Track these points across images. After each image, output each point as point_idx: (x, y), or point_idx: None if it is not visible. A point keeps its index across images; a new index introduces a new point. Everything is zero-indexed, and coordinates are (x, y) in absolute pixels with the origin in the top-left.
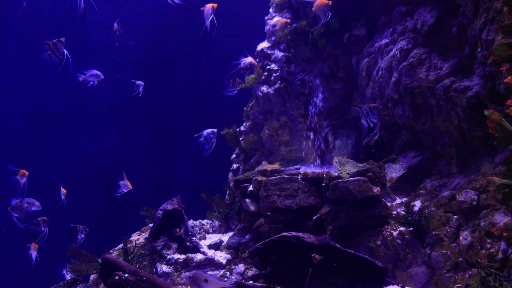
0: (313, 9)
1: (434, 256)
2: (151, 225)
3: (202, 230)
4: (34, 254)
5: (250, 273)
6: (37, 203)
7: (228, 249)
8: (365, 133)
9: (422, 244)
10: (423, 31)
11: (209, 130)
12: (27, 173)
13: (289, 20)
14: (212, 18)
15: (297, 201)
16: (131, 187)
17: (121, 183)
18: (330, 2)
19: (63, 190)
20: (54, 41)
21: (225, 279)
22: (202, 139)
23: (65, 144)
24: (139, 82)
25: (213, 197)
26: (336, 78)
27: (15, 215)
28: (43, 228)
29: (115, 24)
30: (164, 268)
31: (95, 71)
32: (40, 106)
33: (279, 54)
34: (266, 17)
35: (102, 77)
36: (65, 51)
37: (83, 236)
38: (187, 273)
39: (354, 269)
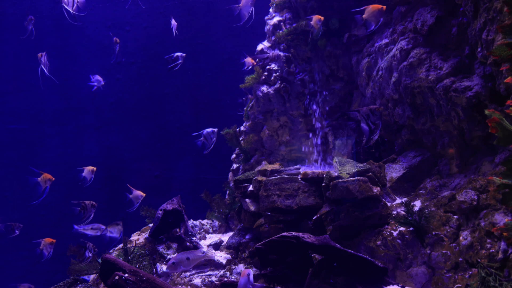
0: (364, 15)
1: (434, 256)
2: (151, 225)
3: (202, 230)
4: (48, 249)
5: None
6: (103, 227)
7: (228, 249)
8: (367, 136)
9: (422, 244)
10: (423, 31)
11: (209, 130)
12: (53, 178)
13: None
14: (252, 10)
15: (297, 201)
16: (144, 194)
17: (132, 196)
18: (385, 7)
19: (90, 168)
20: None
21: (225, 278)
22: (202, 138)
23: (65, 144)
24: (179, 53)
25: (213, 197)
26: (336, 78)
27: None
28: (89, 213)
29: (115, 39)
30: (164, 268)
31: (98, 77)
32: (40, 106)
33: (279, 54)
34: (266, 17)
35: (102, 83)
36: (40, 67)
37: (90, 255)
38: (169, 261)
39: (354, 269)
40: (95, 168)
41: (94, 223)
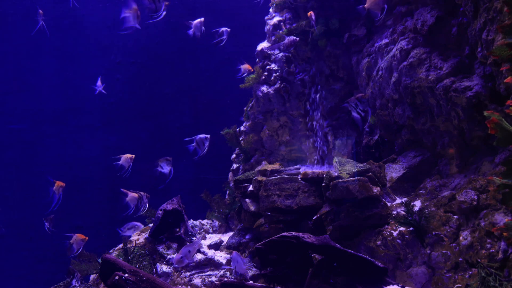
0: (366, 5)
1: (434, 256)
2: (151, 225)
3: (202, 230)
4: (79, 245)
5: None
6: (138, 224)
7: (228, 249)
8: (361, 123)
9: (422, 244)
10: (423, 31)
11: (202, 136)
12: (63, 185)
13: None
14: None
15: (297, 201)
16: (138, 196)
17: (128, 199)
18: None
19: (128, 156)
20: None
21: (225, 278)
22: (194, 143)
23: (65, 144)
24: (224, 28)
25: (213, 197)
26: (336, 78)
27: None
28: (144, 205)
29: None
30: (164, 268)
31: (99, 81)
32: (40, 106)
33: (279, 54)
34: (266, 17)
35: (102, 87)
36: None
37: (77, 285)
38: (176, 256)
39: (354, 269)
40: (133, 156)
41: (129, 223)
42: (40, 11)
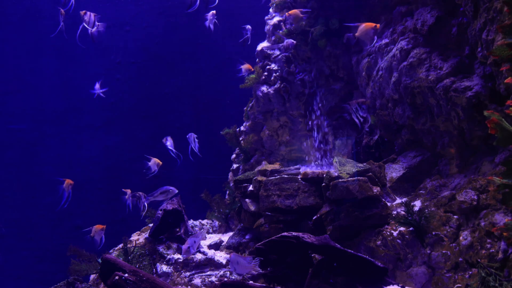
0: (357, 34)
1: (434, 256)
2: (151, 225)
3: (202, 230)
4: (100, 235)
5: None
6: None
7: (228, 249)
8: (361, 126)
9: (422, 244)
10: (423, 31)
11: (193, 134)
12: (72, 182)
13: (301, 12)
14: None
15: (297, 201)
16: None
17: (127, 197)
18: (378, 25)
19: (157, 161)
20: None
21: (225, 278)
22: (192, 142)
23: (65, 144)
24: (248, 26)
25: (213, 197)
26: (336, 78)
27: None
28: (143, 205)
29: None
30: (164, 268)
31: (98, 85)
32: (40, 106)
33: (279, 54)
34: (266, 17)
35: (101, 91)
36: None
37: None
38: (183, 247)
39: (354, 269)
40: (161, 162)
41: (162, 187)
42: (62, 10)
